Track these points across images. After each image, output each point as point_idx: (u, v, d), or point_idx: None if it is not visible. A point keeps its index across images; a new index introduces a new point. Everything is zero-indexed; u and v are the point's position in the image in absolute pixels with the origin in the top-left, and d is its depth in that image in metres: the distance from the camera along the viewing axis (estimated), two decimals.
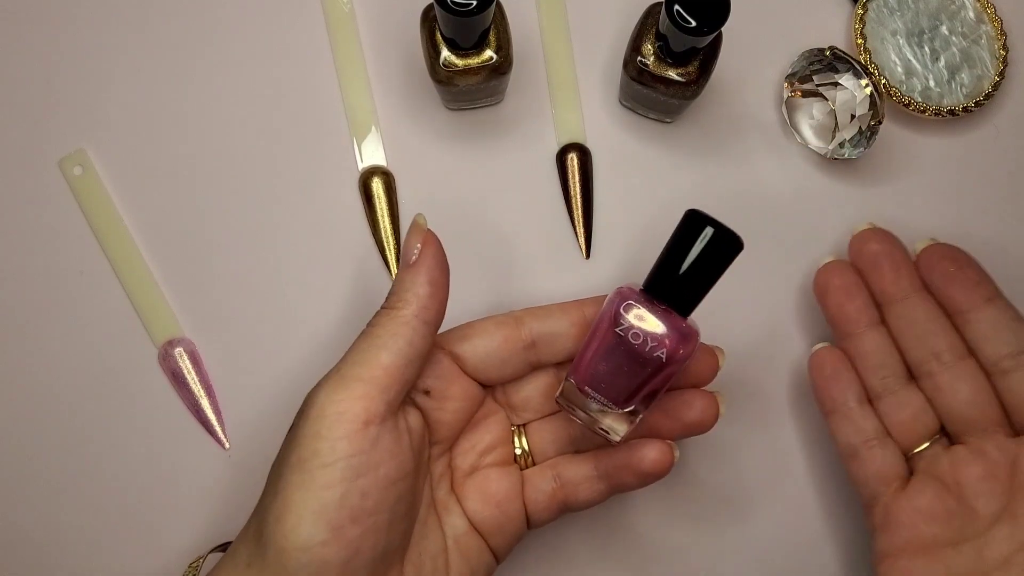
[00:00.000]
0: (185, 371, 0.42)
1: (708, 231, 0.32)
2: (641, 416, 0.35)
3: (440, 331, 0.36)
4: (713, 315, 0.44)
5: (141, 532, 0.42)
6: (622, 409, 0.34)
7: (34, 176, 0.44)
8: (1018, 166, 0.46)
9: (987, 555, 0.35)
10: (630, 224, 0.44)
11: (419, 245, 0.34)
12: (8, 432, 0.42)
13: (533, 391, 0.38)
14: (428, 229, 0.35)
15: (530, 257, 0.44)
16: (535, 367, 0.38)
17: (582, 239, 0.44)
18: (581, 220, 0.44)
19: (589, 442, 0.38)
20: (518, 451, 0.38)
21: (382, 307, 0.35)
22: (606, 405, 0.34)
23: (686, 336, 0.33)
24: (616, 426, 0.35)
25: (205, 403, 0.42)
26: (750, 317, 0.44)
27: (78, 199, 0.44)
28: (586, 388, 0.34)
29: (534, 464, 0.38)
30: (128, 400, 0.43)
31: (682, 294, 0.33)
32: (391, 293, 0.35)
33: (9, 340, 0.43)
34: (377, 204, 0.44)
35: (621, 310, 0.33)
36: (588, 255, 0.44)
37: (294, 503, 0.31)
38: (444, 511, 0.37)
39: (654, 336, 0.33)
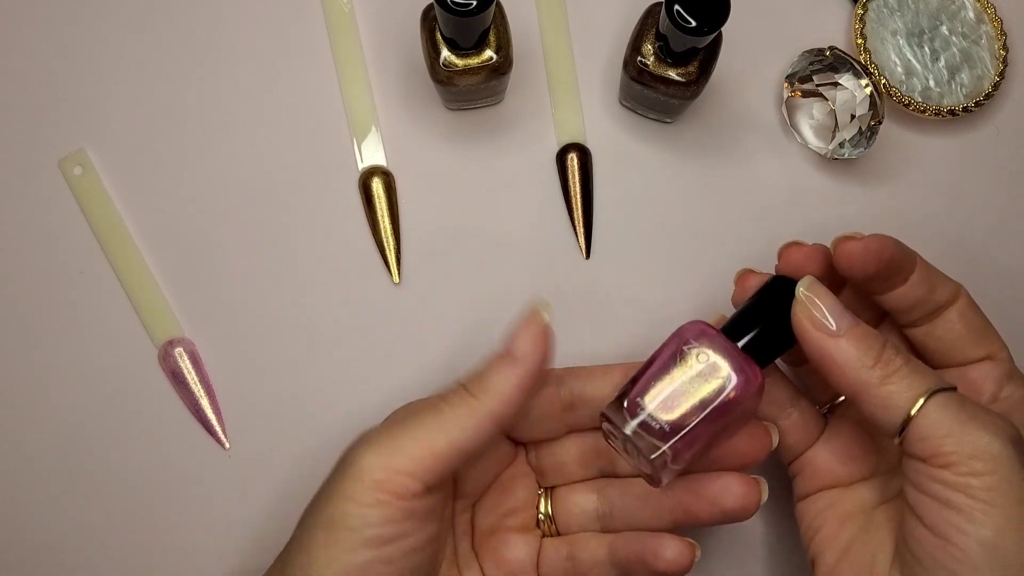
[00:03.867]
0: (185, 371, 0.42)
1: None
2: (679, 466, 0.32)
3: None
4: (711, 315, 0.44)
5: (141, 532, 0.42)
6: (665, 443, 0.31)
7: (34, 176, 0.44)
8: (1018, 166, 0.46)
9: (893, 484, 0.34)
10: (630, 224, 0.44)
11: (533, 342, 0.32)
12: (8, 432, 0.42)
13: (566, 456, 0.37)
14: (547, 326, 0.33)
15: (530, 257, 0.44)
16: (572, 429, 0.37)
17: (582, 239, 0.44)
18: (581, 220, 0.44)
19: (616, 520, 0.36)
20: (541, 516, 0.37)
21: (461, 382, 0.33)
22: (652, 434, 0.31)
23: (755, 378, 0.32)
24: (657, 465, 0.32)
25: (205, 403, 0.42)
26: None
27: (78, 199, 0.44)
28: (637, 400, 0.32)
29: (557, 532, 0.37)
30: (128, 400, 0.43)
31: (760, 344, 0.33)
32: (477, 375, 0.33)
33: (9, 340, 0.43)
34: (377, 204, 0.44)
35: (692, 337, 0.32)
36: (588, 255, 0.44)
37: (318, 561, 0.31)
38: (465, 567, 0.36)
39: (723, 368, 0.31)
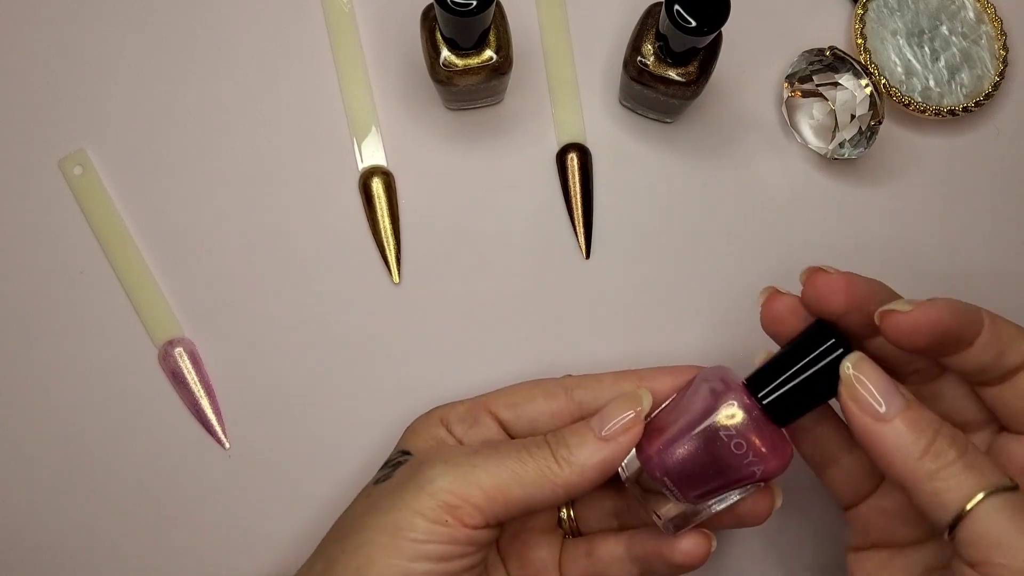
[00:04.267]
0: (185, 371, 0.42)
1: (838, 351, 0.30)
2: (699, 515, 0.33)
3: (486, 391, 0.37)
4: (711, 315, 0.44)
5: (141, 532, 0.42)
6: (686, 502, 0.32)
7: (34, 176, 0.44)
8: (1018, 166, 0.46)
9: (948, 552, 0.33)
10: (630, 224, 0.44)
11: (623, 428, 0.32)
12: (8, 432, 0.42)
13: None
14: (644, 415, 0.33)
15: (530, 257, 0.44)
16: None
17: (582, 239, 0.44)
18: (581, 220, 0.44)
19: (633, 516, 0.37)
20: (563, 516, 0.38)
21: (548, 438, 0.33)
22: (672, 495, 0.32)
23: (785, 457, 0.31)
24: (670, 514, 0.33)
25: (205, 403, 0.42)
26: (748, 318, 0.44)
27: (78, 199, 0.44)
28: (655, 471, 0.32)
29: (579, 531, 0.38)
30: (128, 400, 0.43)
31: (787, 404, 0.31)
32: (563, 438, 0.33)
33: (9, 340, 0.43)
34: (377, 204, 0.44)
35: (721, 406, 0.31)
36: (588, 255, 0.44)
37: (377, 564, 0.31)
38: (492, 568, 0.36)
39: (756, 450, 0.31)
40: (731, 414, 0.31)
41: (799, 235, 0.45)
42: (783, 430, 0.32)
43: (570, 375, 0.37)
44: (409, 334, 0.43)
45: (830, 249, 0.44)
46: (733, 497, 0.33)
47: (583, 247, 0.44)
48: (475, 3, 0.35)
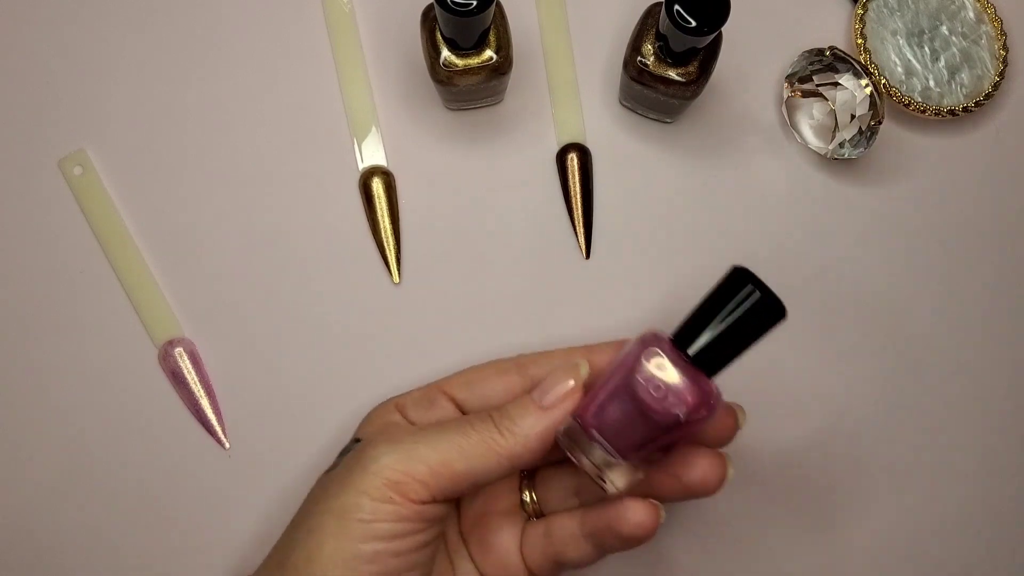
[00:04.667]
0: (185, 371, 0.42)
1: (755, 295, 0.31)
2: (643, 474, 0.33)
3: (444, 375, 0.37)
4: None
5: (141, 532, 0.42)
6: (625, 461, 0.32)
7: (34, 176, 0.44)
8: (1018, 166, 0.46)
9: None
10: (630, 224, 0.44)
11: (561, 396, 0.33)
12: (8, 432, 0.42)
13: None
14: (581, 386, 0.34)
15: (530, 257, 0.44)
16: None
17: (582, 239, 0.44)
18: (581, 220, 0.44)
19: (591, 493, 0.37)
20: (525, 499, 0.38)
21: (491, 412, 0.34)
22: (609, 454, 0.32)
23: (708, 397, 0.31)
24: (616, 479, 0.33)
25: (205, 403, 0.42)
26: None
27: (78, 199, 0.44)
28: (592, 431, 0.32)
29: (542, 513, 0.38)
30: (128, 400, 0.43)
31: (713, 353, 0.32)
32: (506, 411, 0.34)
33: (9, 340, 0.43)
34: (377, 204, 0.44)
35: (643, 357, 0.32)
36: (588, 255, 0.44)
37: (327, 548, 0.31)
38: (455, 554, 0.37)
39: (675, 391, 0.31)
40: (651, 363, 0.32)
41: (799, 235, 0.45)
42: (710, 380, 0.32)
43: (523, 353, 0.38)
44: (409, 334, 0.43)
45: (830, 249, 0.44)
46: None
47: (583, 247, 0.44)
48: (475, 3, 0.35)
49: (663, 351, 0.32)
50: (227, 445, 0.42)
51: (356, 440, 0.36)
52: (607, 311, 0.44)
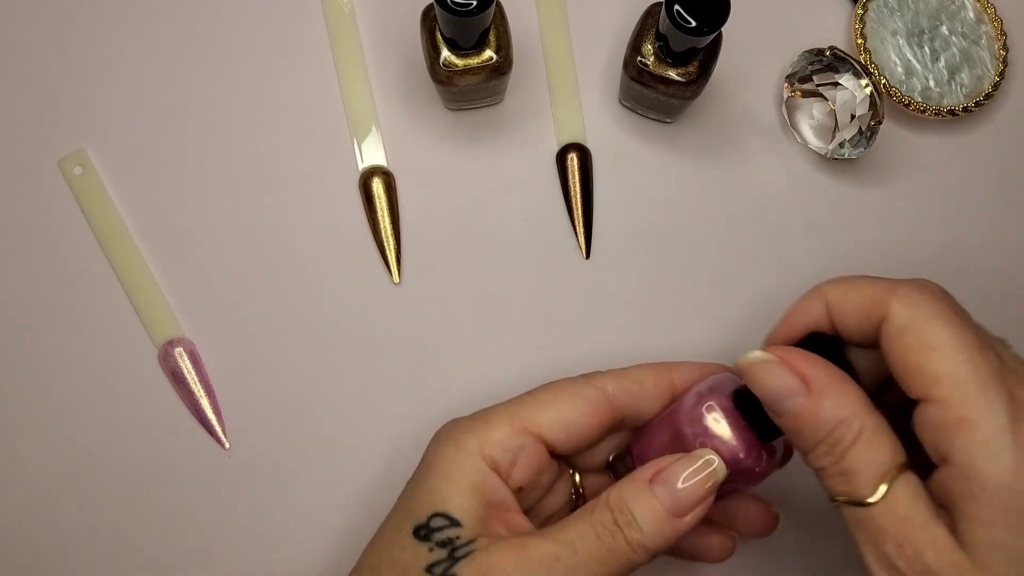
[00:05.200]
0: (185, 371, 0.42)
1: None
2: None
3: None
4: (710, 314, 0.44)
5: (141, 532, 0.42)
6: None
7: (34, 176, 0.44)
8: (1018, 166, 0.46)
9: None
10: (630, 224, 0.44)
11: (698, 503, 0.30)
12: (7, 432, 0.42)
13: (599, 457, 0.36)
14: (717, 485, 0.31)
15: (530, 257, 0.44)
16: (613, 431, 0.36)
17: (582, 239, 0.44)
18: (581, 220, 0.44)
19: None
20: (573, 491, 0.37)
21: (616, 520, 0.30)
22: None
23: (755, 461, 0.31)
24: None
25: (205, 403, 0.42)
26: (747, 318, 0.44)
27: (78, 199, 0.44)
28: (635, 462, 0.32)
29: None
30: (128, 400, 0.43)
31: (765, 416, 0.30)
32: (636, 521, 0.30)
33: (9, 340, 0.43)
34: (377, 204, 0.44)
35: (704, 409, 0.31)
36: (588, 255, 0.44)
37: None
38: None
39: (723, 446, 0.30)
40: (707, 413, 0.31)
41: (799, 235, 0.45)
42: (763, 446, 0.31)
43: (597, 372, 0.35)
44: (409, 334, 0.43)
45: (830, 249, 0.44)
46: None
47: (583, 247, 0.44)
48: (475, 3, 0.35)
49: (721, 405, 0.31)
50: (227, 445, 0.42)
51: (450, 520, 0.32)
52: (607, 311, 0.44)
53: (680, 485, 0.30)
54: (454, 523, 0.31)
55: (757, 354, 0.30)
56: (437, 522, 0.32)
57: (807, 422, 0.29)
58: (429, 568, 0.31)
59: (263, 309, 0.43)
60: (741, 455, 0.31)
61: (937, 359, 0.27)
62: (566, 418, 0.33)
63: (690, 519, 0.30)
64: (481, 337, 0.43)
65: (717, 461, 0.31)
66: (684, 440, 0.31)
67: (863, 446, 0.28)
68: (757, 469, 0.31)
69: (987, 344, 0.27)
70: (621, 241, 0.44)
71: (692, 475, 0.30)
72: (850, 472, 0.28)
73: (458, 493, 0.32)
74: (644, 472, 0.31)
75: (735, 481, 0.31)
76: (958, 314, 0.28)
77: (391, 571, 0.32)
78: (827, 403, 0.28)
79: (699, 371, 0.35)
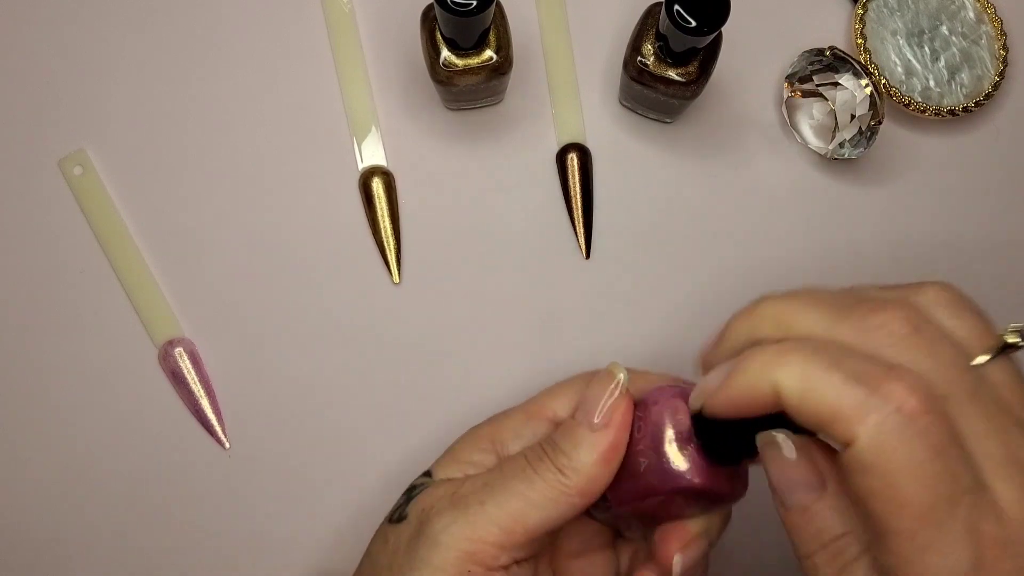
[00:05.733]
0: (185, 371, 0.42)
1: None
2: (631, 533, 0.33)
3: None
4: (710, 315, 0.44)
5: (140, 532, 0.42)
6: (617, 509, 0.31)
7: (34, 176, 0.44)
8: (1018, 166, 0.46)
9: None
10: (630, 224, 0.44)
11: (610, 409, 0.30)
12: (7, 432, 0.42)
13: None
14: (626, 388, 0.30)
15: (530, 257, 0.44)
16: None
17: (582, 239, 0.44)
18: (581, 220, 0.44)
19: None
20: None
21: (545, 447, 0.30)
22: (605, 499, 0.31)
23: (684, 478, 0.29)
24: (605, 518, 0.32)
25: (205, 403, 0.42)
26: None
27: (78, 199, 0.44)
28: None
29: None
30: (128, 400, 0.43)
31: (725, 446, 0.29)
32: (556, 444, 0.30)
33: (9, 340, 0.43)
34: (377, 204, 0.44)
35: (657, 419, 0.29)
36: (588, 255, 0.44)
37: None
38: None
39: (668, 464, 0.29)
40: (665, 429, 0.29)
41: (799, 235, 0.45)
42: (726, 470, 0.29)
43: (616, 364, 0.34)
44: (409, 334, 0.43)
45: (830, 249, 0.44)
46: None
47: (583, 247, 0.44)
48: (475, 3, 0.35)
49: (675, 424, 0.29)
50: (227, 445, 0.42)
51: (426, 473, 0.33)
52: (607, 311, 0.44)
53: (591, 399, 0.30)
54: (428, 475, 0.33)
55: (780, 436, 0.26)
56: (417, 480, 0.33)
57: (812, 524, 0.26)
58: (390, 517, 0.32)
59: (263, 309, 0.43)
60: (697, 481, 0.29)
61: (903, 517, 0.23)
62: (567, 392, 0.33)
63: (610, 431, 0.30)
64: (481, 337, 0.43)
65: (622, 373, 0.30)
66: (636, 447, 0.30)
67: (867, 567, 0.25)
68: (722, 493, 0.29)
69: (962, 490, 0.23)
70: (621, 241, 0.44)
71: (599, 387, 0.30)
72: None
73: (453, 464, 0.33)
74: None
75: (698, 506, 0.30)
76: (941, 452, 0.23)
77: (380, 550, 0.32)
78: (841, 506, 0.26)
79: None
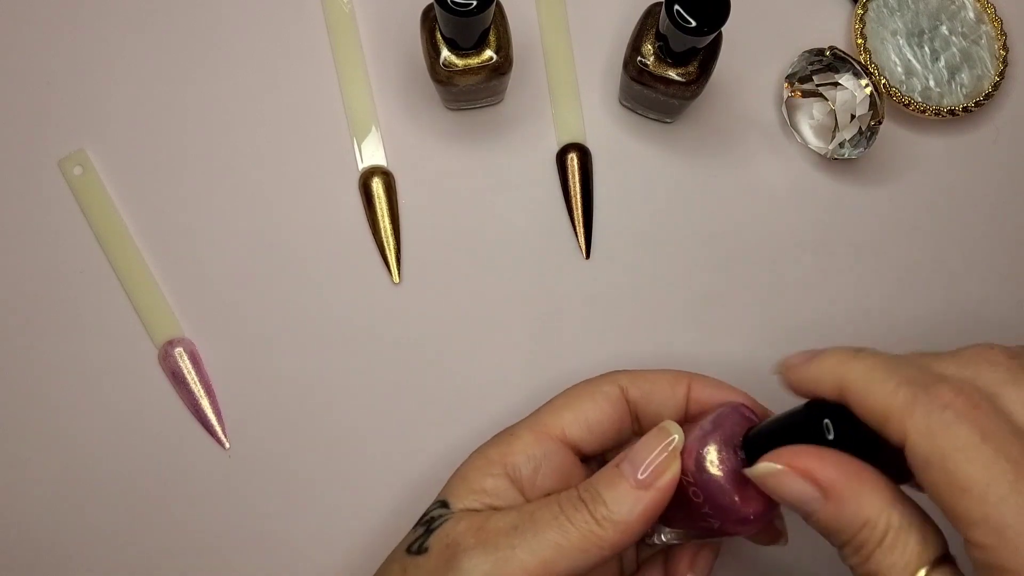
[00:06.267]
0: (185, 371, 0.42)
1: (828, 437, 0.29)
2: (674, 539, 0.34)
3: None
4: (710, 315, 0.44)
5: (140, 532, 0.42)
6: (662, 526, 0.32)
7: (34, 176, 0.44)
8: (1018, 166, 0.46)
9: None
10: (630, 224, 0.44)
11: (659, 470, 0.30)
12: (7, 432, 0.42)
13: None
14: (678, 447, 0.31)
15: (530, 257, 0.44)
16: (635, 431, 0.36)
17: (582, 239, 0.44)
18: (581, 220, 0.44)
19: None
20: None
21: (582, 494, 0.31)
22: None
23: (740, 514, 0.30)
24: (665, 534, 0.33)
25: (205, 403, 0.42)
26: (748, 318, 0.44)
27: (78, 199, 0.44)
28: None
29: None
30: (128, 400, 0.43)
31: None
32: (598, 494, 0.30)
33: (9, 339, 0.43)
34: (377, 204, 0.44)
35: (702, 450, 0.30)
36: (588, 255, 0.44)
37: None
38: None
39: (714, 504, 0.30)
40: (704, 460, 0.30)
41: (799, 235, 0.45)
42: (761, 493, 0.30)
43: (617, 371, 0.35)
44: (409, 334, 0.43)
45: (830, 249, 0.44)
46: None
47: (583, 247, 0.44)
48: (475, 3, 0.35)
49: (717, 449, 0.30)
50: (227, 445, 0.42)
51: (442, 503, 0.33)
52: (607, 311, 0.44)
53: (641, 455, 0.30)
54: (444, 505, 0.33)
55: (765, 466, 0.28)
56: (435, 511, 0.33)
57: (831, 526, 0.27)
58: (408, 547, 0.32)
59: (263, 309, 0.43)
60: (737, 500, 0.30)
61: (968, 502, 0.24)
62: (586, 416, 0.34)
63: (655, 492, 0.30)
64: (481, 337, 0.43)
65: (677, 432, 0.31)
66: (682, 484, 0.31)
67: (888, 548, 0.26)
68: (752, 517, 0.30)
69: (1020, 466, 0.25)
70: (621, 241, 0.44)
71: (651, 443, 0.31)
72: (877, 575, 0.27)
73: (464, 491, 0.33)
74: (613, 460, 0.31)
75: (732, 527, 0.30)
76: (990, 436, 0.25)
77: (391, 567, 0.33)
78: (847, 508, 0.27)
79: (717, 389, 0.34)
